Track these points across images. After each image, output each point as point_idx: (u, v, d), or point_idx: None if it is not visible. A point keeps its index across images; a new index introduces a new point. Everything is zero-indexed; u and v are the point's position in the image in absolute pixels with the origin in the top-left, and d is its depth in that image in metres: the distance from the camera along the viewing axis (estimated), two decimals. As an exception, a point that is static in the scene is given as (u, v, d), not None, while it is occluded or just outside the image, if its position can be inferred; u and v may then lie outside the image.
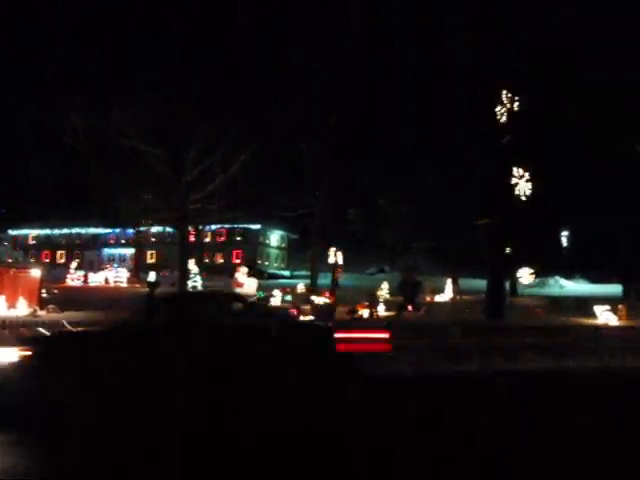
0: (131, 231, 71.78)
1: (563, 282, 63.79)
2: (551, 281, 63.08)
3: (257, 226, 79.75)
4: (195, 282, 44.38)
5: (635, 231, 36.46)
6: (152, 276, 34.91)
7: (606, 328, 25.67)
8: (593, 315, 28.81)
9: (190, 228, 40.97)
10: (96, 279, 53.81)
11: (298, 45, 34.30)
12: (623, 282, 43.21)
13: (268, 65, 32.49)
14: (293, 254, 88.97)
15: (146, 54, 32.15)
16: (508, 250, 34.40)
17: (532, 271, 46.59)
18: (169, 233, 62.78)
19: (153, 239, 76.40)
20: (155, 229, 71.35)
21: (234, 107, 32.07)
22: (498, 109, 29.66)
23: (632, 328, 25.77)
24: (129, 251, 79.14)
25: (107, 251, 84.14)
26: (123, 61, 32.85)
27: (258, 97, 31.92)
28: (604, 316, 28.29)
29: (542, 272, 64.36)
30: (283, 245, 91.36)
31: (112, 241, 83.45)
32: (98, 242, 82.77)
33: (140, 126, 31.53)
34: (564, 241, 71.46)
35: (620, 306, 30.80)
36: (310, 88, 32.50)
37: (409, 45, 32.42)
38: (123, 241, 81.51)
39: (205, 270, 58.77)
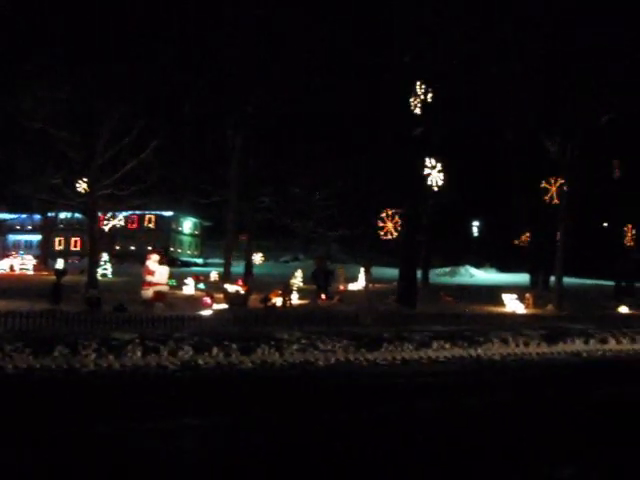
0: (38, 217, 69.43)
1: (473, 271, 65.44)
2: (462, 270, 64.62)
3: (169, 213, 78.63)
4: (105, 270, 43.35)
5: (542, 222, 37.58)
6: (60, 263, 33.92)
7: (513, 316, 26.42)
8: (502, 303, 29.58)
9: (100, 214, 39.85)
10: (1, 266, 51.79)
11: (217, 31, 33.70)
12: (530, 271, 44.59)
13: (184, 48, 31.75)
14: (207, 242, 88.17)
15: (54, 36, 30.90)
16: (420, 239, 34.95)
17: (443, 260, 47.50)
18: (78, 219, 60.97)
19: (61, 225, 74.14)
20: (64, 215, 69.22)
21: (146, 91, 31.32)
22: (412, 100, 29.92)
23: (538, 316, 26.61)
24: (36, 237, 76.60)
25: (12, 237, 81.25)
26: (30, 42, 31.47)
27: (172, 81, 31.20)
28: (512, 304, 29.11)
29: (453, 261, 65.96)
30: (196, 232, 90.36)
31: (18, 227, 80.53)
32: (3, 228, 79.65)
33: (48, 108, 30.40)
34: (475, 231, 73.34)
35: (527, 295, 31.80)
36: (224, 73, 32.02)
37: (323, 36, 32.18)
38: (30, 227, 78.79)
39: (116, 257, 57.51)
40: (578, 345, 19.16)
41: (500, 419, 9.76)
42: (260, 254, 40.43)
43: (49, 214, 63.63)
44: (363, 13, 30.82)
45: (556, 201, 32.06)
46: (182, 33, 31.17)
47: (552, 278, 35.12)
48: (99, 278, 35.99)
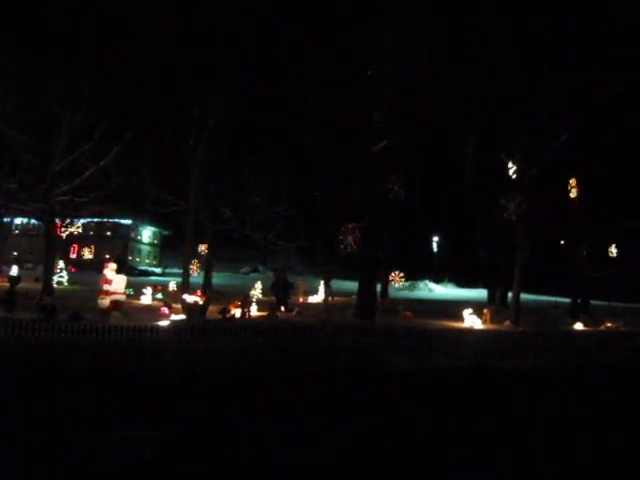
0: (-8, 221, 68.07)
1: (432, 286, 65.89)
2: (421, 284, 65.03)
3: (128, 221, 77.85)
4: (61, 277, 42.66)
5: (500, 238, 37.99)
6: (14, 270, 33.25)
7: (471, 331, 26.62)
8: (460, 318, 29.79)
9: (57, 221, 39.25)
10: (-48, 272, 50.61)
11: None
12: (488, 287, 45.02)
13: (145, 54, 31.46)
14: (165, 251, 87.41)
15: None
16: (380, 254, 35.04)
17: (402, 274, 47.74)
18: (34, 225, 59.95)
19: (17, 231, 72.82)
20: (19, 220, 68.01)
21: (105, 98, 31.01)
22: (377, 114, 30.09)
23: (494, 331, 26.83)
24: (-11, 243, 75.07)
25: (-35, 242, 79.51)
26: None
27: (131, 88, 30.86)
28: (470, 319, 29.33)
29: (412, 276, 66.33)
30: (155, 241, 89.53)
31: (-29, 232, 78.80)
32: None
33: (3, 109, 29.89)
34: (434, 246, 73.97)
35: (485, 310, 32.08)
36: (187, 82, 31.83)
37: (284, 47, 32.24)
38: (-17, 232, 77.19)
39: (73, 265, 56.69)
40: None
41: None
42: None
43: (4, 219, 62.42)
44: (327, 30, 30.95)
45: (514, 218, 32.42)
46: (142, 37, 30.86)
47: (510, 294, 35.47)
48: (55, 286, 35.41)
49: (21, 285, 29.37)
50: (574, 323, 32.37)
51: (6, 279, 33.36)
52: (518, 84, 31.04)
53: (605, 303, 45.89)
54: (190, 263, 39.27)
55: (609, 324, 32.99)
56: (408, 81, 30.62)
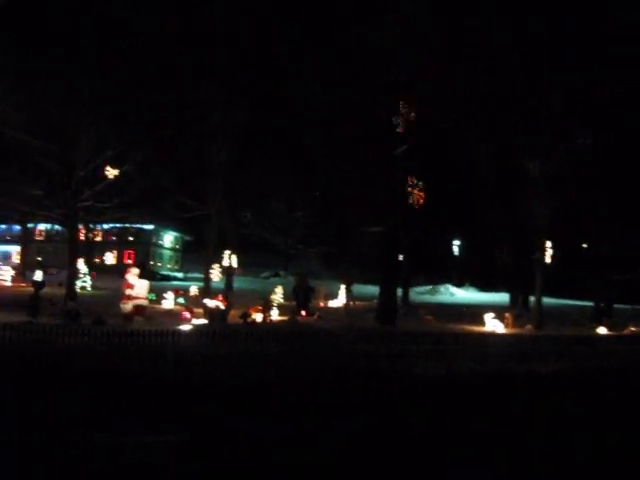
0: (17, 227, 68.74)
1: (453, 290, 65.45)
2: (442, 289, 64.62)
3: (150, 226, 78.11)
4: (84, 282, 43.00)
5: (521, 242, 37.75)
6: (38, 275, 33.52)
7: (493, 335, 26.50)
8: (482, 322, 29.65)
9: (80, 226, 39.62)
10: (-23, 277, 51.16)
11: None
12: (510, 291, 44.74)
13: (165, 63, 31.79)
14: (187, 256, 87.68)
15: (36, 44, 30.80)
16: (401, 258, 35.00)
17: (424, 279, 47.54)
18: (58, 231, 60.50)
19: (41, 237, 73.52)
20: (43, 226, 68.68)
21: (129, 104, 31.33)
22: (395, 119, 30.10)
23: (516, 335, 26.70)
24: (15, 248, 75.79)
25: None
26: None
27: (153, 96, 31.15)
28: (491, 323, 29.19)
29: (433, 280, 66.03)
30: (177, 246, 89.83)
31: (-4, 237, 79.61)
32: (-20, 238, 78.76)
33: (28, 118, 30.24)
34: (455, 250, 73.54)
35: (507, 314, 31.88)
36: (207, 88, 32.05)
37: (308, 52, 32.35)
38: (8, 238, 77.92)
39: (95, 270, 57.06)
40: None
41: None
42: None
43: (28, 225, 63.08)
44: (348, 33, 31.00)
45: (535, 221, 32.23)
46: (161, 46, 31.18)
47: (532, 298, 35.23)
48: (78, 291, 35.73)
49: (45, 290, 29.66)
50: (597, 327, 32.09)
51: (31, 284, 33.72)
52: (536, 84, 30.86)
53: (629, 307, 45.40)
54: (211, 268, 39.43)
55: (633, 328, 32.66)
56: (420, 83, 30.53)
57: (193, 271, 72.56)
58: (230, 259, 40.40)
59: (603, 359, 20.70)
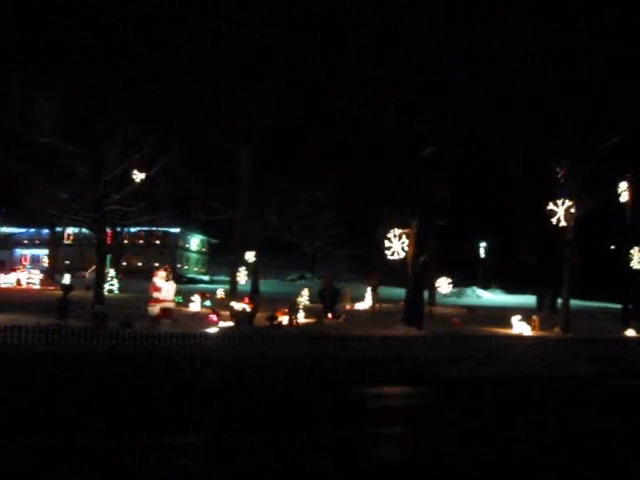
0: (46, 231, 69.56)
1: (480, 292, 65.17)
2: (468, 291, 64.36)
3: (177, 230, 78.70)
4: (112, 285, 43.37)
5: (549, 244, 37.43)
6: (67, 278, 33.89)
7: (520, 337, 26.28)
8: (508, 325, 29.43)
9: (108, 230, 39.95)
10: (7, 280, 51.87)
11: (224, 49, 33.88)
12: (537, 293, 44.36)
13: (192, 67, 31.95)
14: (213, 259, 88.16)
15: (62, 51, 31.09)
16: (427, 260, 34.79)
17: (450, 281, 47.30)
18: (85, 234, 61.13)
19: (69, 240, 74.34)
20: (71, 230, 69.44)
21: (155, 108, 31.53)
22: (422, 120, 29.93)
23: (543, 338, 26.44)
24: (43, 252, 76.69)
25: (20, 251, 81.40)
26: (31, 52, 31.64)
27: (180, 99, 31.36)
28: (518, 326, 28.96)
29: (460, 282, 65.73)
30: (203, 249, 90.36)
31: (25, 241, 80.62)
32: (10, 242, 79.72)
33: (56, 122, 30.57)
34: (482, 252, 73.17)
35: (534, 317, 31.62)
36: (232, 91, 32.20)
37: (338, 55, 32.32)
38: (37, 241, 78.89)
39: (123, 273, 57.55)
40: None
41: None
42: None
43: (57, 228, 63.82)
44: (372, 34, 30.94)
45: (563, 223, 31.91)
46: (188, 51, 31.38)
47: (559, 300, 34.89)
48: (106, 294, 36.04)
49: (73, 293, 29.93)
50: (625, 330, 31.70)
51: (59, 287, 34.07)
52: (565, 87, 30.60)
53: (658, 309, 44.80)
54: (238, 270, 39.59)
55: (662, 330, 32.22)
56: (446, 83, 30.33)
57: (219, 274, 72.98)
58: (256, 262, 40.50)
59: (636, 362, 20.47)
